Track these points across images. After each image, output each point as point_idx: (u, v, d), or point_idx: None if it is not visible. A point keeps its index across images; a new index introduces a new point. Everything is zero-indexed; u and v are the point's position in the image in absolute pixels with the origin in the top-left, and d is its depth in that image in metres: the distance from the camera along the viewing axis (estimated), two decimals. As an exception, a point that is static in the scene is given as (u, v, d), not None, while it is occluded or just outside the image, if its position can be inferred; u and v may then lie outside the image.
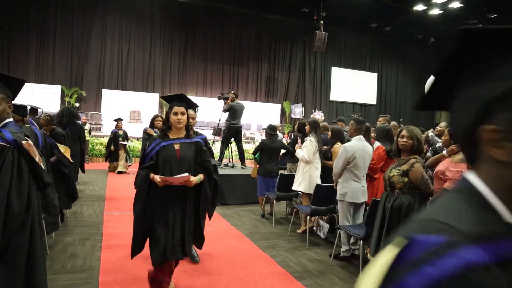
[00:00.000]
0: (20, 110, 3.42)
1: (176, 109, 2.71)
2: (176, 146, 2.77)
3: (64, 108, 5.60)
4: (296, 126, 6.55)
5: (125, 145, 9.68)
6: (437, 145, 4.61)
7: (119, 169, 9.61)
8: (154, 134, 5.01)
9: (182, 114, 2.73)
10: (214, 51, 18.51)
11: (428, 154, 4.55)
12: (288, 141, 9.22)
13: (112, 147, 9.43)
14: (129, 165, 9.94)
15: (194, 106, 2.97)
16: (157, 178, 2.64)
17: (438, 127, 5.13)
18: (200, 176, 2.81)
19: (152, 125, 5.34)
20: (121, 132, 9.52)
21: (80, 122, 7.37)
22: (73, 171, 4.98)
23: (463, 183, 0.59)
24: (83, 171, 6.10)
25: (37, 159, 2.13)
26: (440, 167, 3.37)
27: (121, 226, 5.00)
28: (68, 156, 4.57)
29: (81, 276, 3.39)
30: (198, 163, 2.85)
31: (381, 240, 3.11)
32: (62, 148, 4.49)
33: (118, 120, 9.64)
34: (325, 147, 5.25)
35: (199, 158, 2.85)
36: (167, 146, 2.73)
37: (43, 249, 2.17)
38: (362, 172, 4.09)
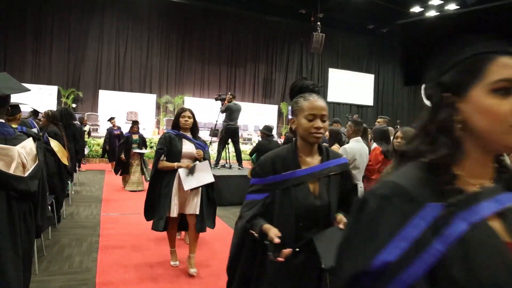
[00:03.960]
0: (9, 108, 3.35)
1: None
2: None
3: (62, 109, 5.35)
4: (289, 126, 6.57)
5: (142, 154, 7.55)
6: None
7: (129, 187, 7.45)
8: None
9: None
10: (211, 52, 18.51)
11: None
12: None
13: (123, 156, 7.40)
14: (148, 181, 8.13)
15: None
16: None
17: None
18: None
19: (176, 124, 3.48)
20: (135, 137, 7.48)
21: (77, 123, 7.10)
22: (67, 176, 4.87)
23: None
24: (75, 171, 6.00)
25: (13, 165, 1.92)
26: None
27: (118, 227, 5.00)
28: (65, 159, 4.52)
29: (78, 278, 3.38)
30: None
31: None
32: (56, 146, 4.37)
33: (134, 124, 7.64)
34: (324, 144, 5.26)
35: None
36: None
37: (16, 260, 2.05)
38: (361, 173, 4.10)
